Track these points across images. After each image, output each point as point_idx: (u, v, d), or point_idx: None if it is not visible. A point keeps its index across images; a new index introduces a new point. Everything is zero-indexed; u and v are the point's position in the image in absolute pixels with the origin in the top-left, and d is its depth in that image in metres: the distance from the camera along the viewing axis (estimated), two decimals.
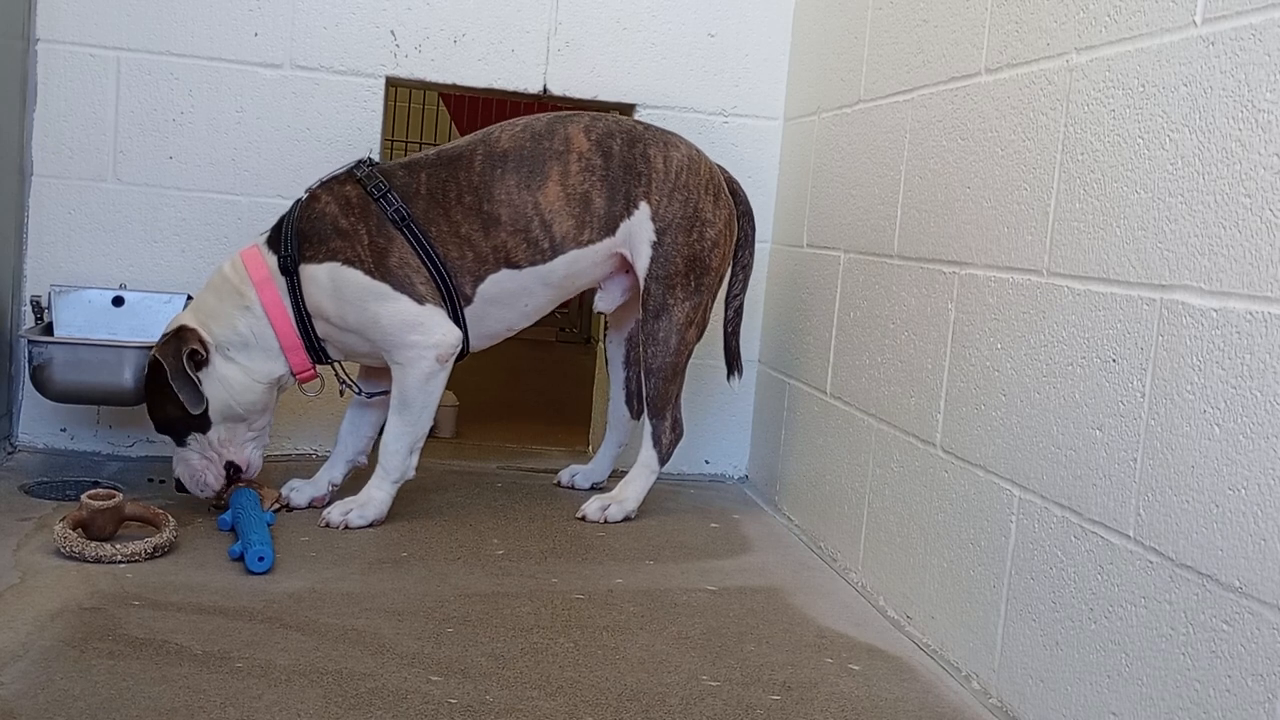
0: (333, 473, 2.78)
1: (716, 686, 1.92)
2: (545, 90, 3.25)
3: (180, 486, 2.62)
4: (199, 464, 2.59)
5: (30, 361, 2.74)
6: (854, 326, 2.68)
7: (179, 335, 2.54)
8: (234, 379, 2.56)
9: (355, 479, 2.80)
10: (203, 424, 2.56)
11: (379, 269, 2.57)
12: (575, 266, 2.73)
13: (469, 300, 2.66)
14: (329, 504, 2.70)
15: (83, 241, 3.05)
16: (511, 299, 2.71)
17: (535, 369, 5.60)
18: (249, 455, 2.63)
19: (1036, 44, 1.99)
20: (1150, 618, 1.60)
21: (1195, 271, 1.57)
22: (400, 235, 2.58)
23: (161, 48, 3.04)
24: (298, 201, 2.64)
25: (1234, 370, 1.48)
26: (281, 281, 2.58)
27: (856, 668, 2.07)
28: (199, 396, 2.50)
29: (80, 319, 2.94)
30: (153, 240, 3.08)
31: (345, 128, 3.13)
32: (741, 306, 3.01)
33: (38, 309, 2.95)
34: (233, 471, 2.61)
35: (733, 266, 2.94)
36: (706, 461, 3.43)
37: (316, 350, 2.63)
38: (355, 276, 2.56)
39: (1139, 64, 1.71)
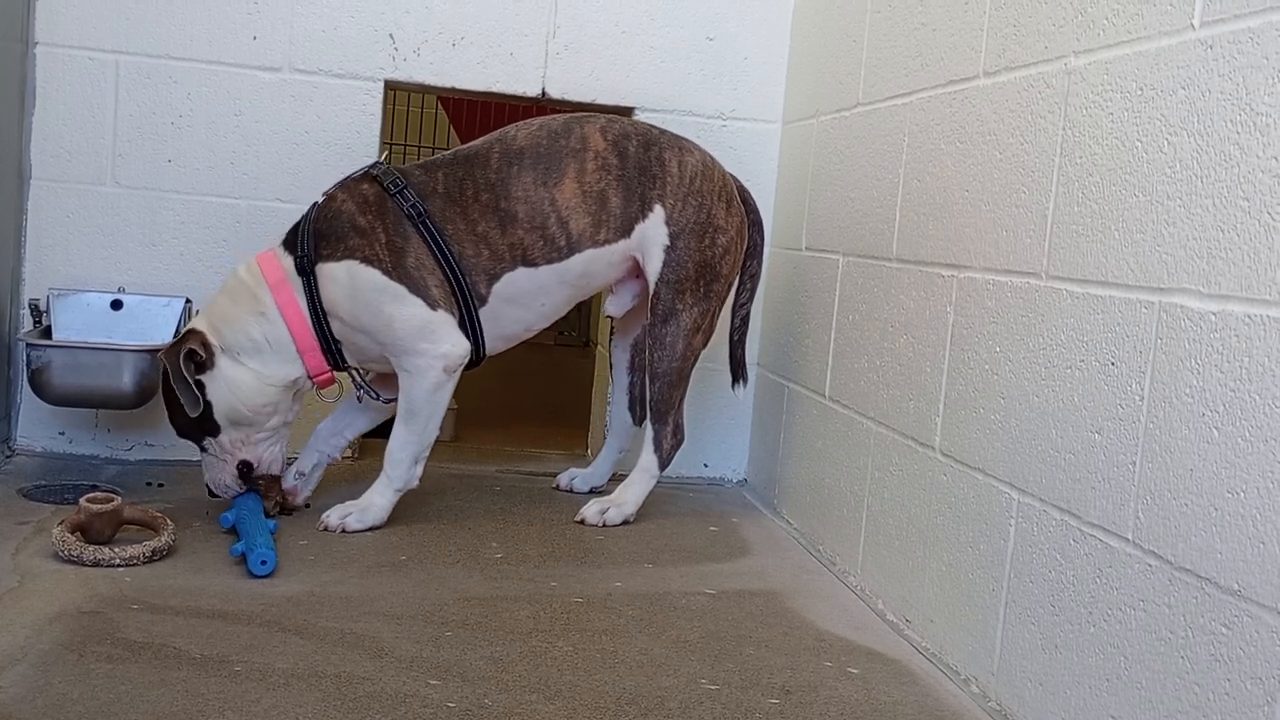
0: (301, 463, 2.78)
1: (715, 690, 1.92)
2: (544, 93, 3.25)
3: (212, 492, 2.64)
4: (216, 465, 2.61)
5: (29, 365, 2.74)
6: (853, 329, 2.68)
7: (184, 338, 2.55)
8: (243, 382, 2.55)
9: (355, 482, 2.79)
10: (212, 427, 2.56)
11: (396, 269, 2.57)
12: (591, 266, 2.72)
13: (484, 300, 2.66)
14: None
15: (81, 245, 3.05)
16: (528, 298, 2.70)
17: (534, 372, 5.59)
18: (261, 452, 2.61)
19: (1035, 47, 1.99)
20: (1149, 621, 1.60)
21: (1194, 274, 1.57)
22: (417, 234, 2.59)
23: (160, 51, 3.04)
24: (314, 204, 2.64)
25: (1233, 373, 1.48)
26: (298, 282, 2.58)
27: (855, 671, 2.06)
28: (195, 399, 2.51)
29: (79, 322, 2.94)
30: (151, 243, 3.08)
31: (344, 131, 3.13)
32: (748, 315, 3.00)
33: (36, 312, 2.95)
34: (244, 469, 2.61)
35: (741, 275, 2.94)
36: (705, 465, 3.43)
37: (333, 353, 2.63)
38: (373, 276, 2.56)
39: (1137, 67, 1.71)
